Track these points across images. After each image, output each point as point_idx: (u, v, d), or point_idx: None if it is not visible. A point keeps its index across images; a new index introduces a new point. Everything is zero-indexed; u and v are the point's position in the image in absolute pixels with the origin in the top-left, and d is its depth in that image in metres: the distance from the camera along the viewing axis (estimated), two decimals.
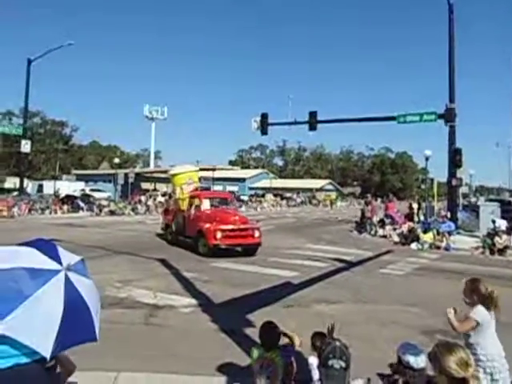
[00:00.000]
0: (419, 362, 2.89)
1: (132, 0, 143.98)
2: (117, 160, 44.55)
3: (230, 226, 12.81)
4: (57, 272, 1.72)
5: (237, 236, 12.74)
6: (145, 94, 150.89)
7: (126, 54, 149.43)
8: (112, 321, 6.26)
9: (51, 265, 1.74)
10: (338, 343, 2.42)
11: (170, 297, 7.87)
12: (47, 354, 1.58)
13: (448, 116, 15.28)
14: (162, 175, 59.06)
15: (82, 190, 44.96)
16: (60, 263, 1.76)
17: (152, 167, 72.46)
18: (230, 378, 4.48)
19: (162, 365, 4.82)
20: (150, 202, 36.43)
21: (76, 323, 1.72)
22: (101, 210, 30.06)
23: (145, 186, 53.02)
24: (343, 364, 2.31)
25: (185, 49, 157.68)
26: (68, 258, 1.85)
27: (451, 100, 16.04)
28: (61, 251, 1.85)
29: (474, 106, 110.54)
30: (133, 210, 32.34)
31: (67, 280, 1.73)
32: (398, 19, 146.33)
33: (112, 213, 30.01)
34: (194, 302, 7.65)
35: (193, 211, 13.91)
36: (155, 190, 52.12)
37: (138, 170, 60.06)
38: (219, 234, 12.42)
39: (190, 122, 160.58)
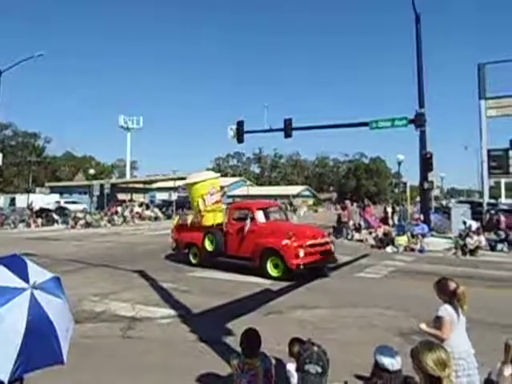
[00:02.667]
0: (394, 364, 2.93)
1: (105, 8, 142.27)
2: (92, 171, 43.90)
3: (312, 241, 10.79)
4: (22, 290, 1.64)
5: (317, 252, 10.80)
6: (119, 103, 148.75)
7: (100, 64, 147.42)
8: (90, 335, 6.22)
9: (17, 283, 1.66)
10: (315, 348, 2.44)
11: (148, 308, 7.82)
12: (4, 377, 1.51)
13: (418, 121, 15.69)
14: (139, 185, 58.51)
15: (57, 202, 43.93)
16: (27, 281, 1.69)
17: (128, 177, 71.39)
18: None
19: (142, 378, 4.79)
20: (126, 213, 35.95)
21: (40, 345, 1.63)
22: (76, 223, 29.46)
23: (121, 196, 52.19)
24: (319, 369, 2.33)
25: (159, 57, 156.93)
26: (38, 275, 1.76)
27: (421, 105, 16.47)
28: (31, 268, 1.78)
29: (443, 111, 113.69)
30: (109, 221, 31.85)
31: (33, 299, 1.64)
32: (371, 26, 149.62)
33: (88, 225, 29.44)
34: (172, 312, 7.61)
35: (248, 225, 11.43)
36: (132, 200, 51.44)
37: (113, 180, 59.12)
38: (302, 252, 10.34)
39: (166, 131, 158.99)
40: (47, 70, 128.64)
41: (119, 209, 37.62)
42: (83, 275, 11.12)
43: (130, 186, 58.10)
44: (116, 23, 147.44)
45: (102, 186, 38.71)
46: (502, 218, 18.16)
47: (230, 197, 68.93)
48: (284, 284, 10.04)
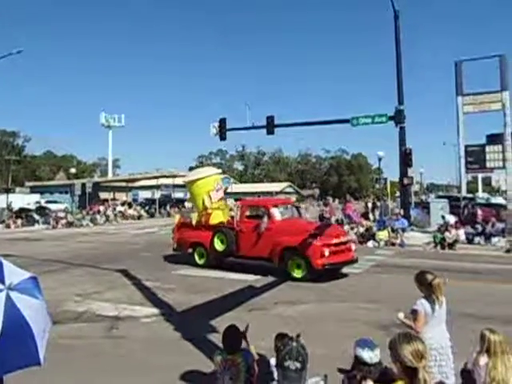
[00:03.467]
0: (373, 357, 2.98)
1: (83, 6, 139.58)
2: (73, 170, 43.16)
3: (336, 240, 10.40)
4: None
5: (339, 251, 10.41)
6: (101, 101, 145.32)
7: (80, 62, 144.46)
8: (72, 336, 6.17)
9: None
10: (294, 344, 2.42)
11: (131, 308, 7.79)
12: None
13: (397, 117, 15.92)
14: (122, 184, 57.78)
15: (37, 202, 43.11)
16: (3, 282, 1.69)
17: (110, 176, 70.38)
18: None
19: (125, 377, 4.79)
20: (109, 212, 35.58)
21: (16, 347, 1.62)
22: (57, 223, 29.03)
23: (103, 195, 51.48)
24: (299, 365, 2.33)
25: (141, 55, 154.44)
26: (14, 275, 1.76)
27: (400, 102, 16.71)
28: (7, 268, 1.78)
29: (422, 107, 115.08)
30: (91, 220, 31.45)
31: (8, 300, 1.64)
32: (351, 24, 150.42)
33: (70, 225, 29.04)
34: (156, 311, 7.61)
35: (265, 223, 10.77)
36: (114, 199, 50.84)
37: (95, 179, 58.20)
38: (327, 251, 9.94)
39: (149, 129, 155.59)
40: (27, 69, 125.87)
41: (101, 208, 37.19)
42: (65, 275, 11.01)
43: (113, 184, 57.31)
44: (94, 22, 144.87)
45: (83, 184, 38.17)
46: (479, 212, 18.57)
47: None
48: (267, 280, 10.13)
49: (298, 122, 21.54)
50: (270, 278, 10.34)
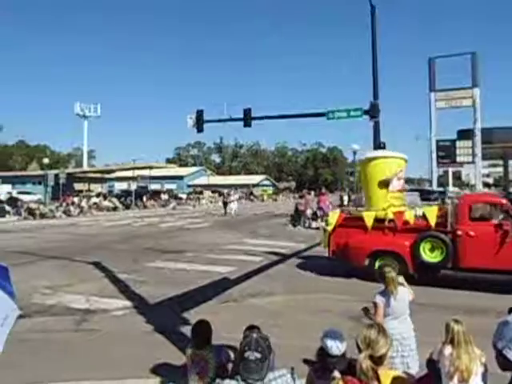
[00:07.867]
0: (338, 347, 2.97)
1: None
2: (46, 160, 41.85)
3: None
4: None
5: None
6: (76, 91, 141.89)
7: (56, 52, 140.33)
8: (39, 330, 6.07)
9: None
10: (254, 335, 2.41)
11: (103, 300, 7.70)
12: None
13: (372, 112, 15.95)
14: (97, 175, 56.78)
15: (9, 192, 41.91)
16: None
17: (85, 167, 68.98)
18: (165, 378, 4.49)
19: (96, 371, 4.73)
20: (83, 204, 34.87)
21: None
22: (29, 214, 28.29)
23: (78, 186, 50.50)
24: (259, 355, 2.30)
25: (117, 46, 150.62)
26: None
27: (375, 97, 16.80)
28: None
29: (397, 103, 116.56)
30: (65, 212, 30.74)
31: None
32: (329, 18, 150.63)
33: (42, 216, 28.25)
34: (128, 304, 7.52)
35: None
36: (89, 190, 49.89)
37: (70, 170, 56.94)
38: None
39: (126, 120, 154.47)
40: None
41: (76, 199, 36.41)
42: (35, 268, 10.77)
43: (88, 175, 56.22)
44: (68, 12, 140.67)
45: (56, 175, 37.24)
46: None
47: (189, 186, 68.46)
48: (242, 272, 10.15)
49: (274, 114, 21.53)
50: (244, 270, 10.35)
